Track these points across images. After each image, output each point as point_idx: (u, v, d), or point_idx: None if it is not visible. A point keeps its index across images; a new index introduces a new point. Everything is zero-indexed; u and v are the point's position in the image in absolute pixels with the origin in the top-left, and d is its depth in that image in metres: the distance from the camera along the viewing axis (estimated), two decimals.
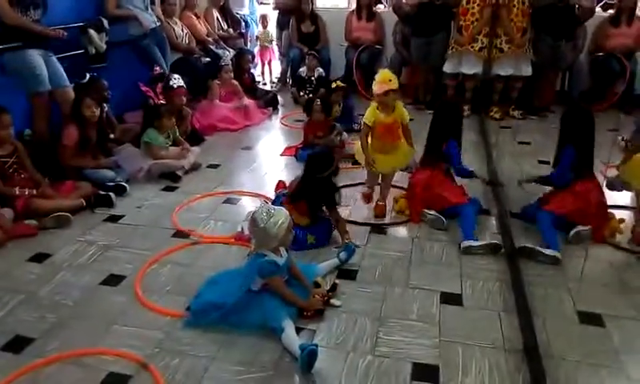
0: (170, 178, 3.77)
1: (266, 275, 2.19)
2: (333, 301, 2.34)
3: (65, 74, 3.94)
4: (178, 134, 4.14)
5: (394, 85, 3.10)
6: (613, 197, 3.39)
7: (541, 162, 4.21)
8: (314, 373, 1.96)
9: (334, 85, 4.97)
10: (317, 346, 1.98)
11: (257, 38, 7.06)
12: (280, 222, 2.18)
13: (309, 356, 1.93)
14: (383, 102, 3.11)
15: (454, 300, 2.41)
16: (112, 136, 4.16)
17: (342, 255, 2.66)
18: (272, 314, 2.16)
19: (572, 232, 2.88)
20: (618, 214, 3.15)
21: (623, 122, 5.20)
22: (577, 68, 5.78)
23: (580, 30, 5.61)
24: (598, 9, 5.91)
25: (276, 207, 2.27)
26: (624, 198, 3.53)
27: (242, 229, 2.89)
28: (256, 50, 7.11)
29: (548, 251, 2.71)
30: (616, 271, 2.66)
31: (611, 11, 5.83)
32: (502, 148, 4.54)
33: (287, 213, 2.25)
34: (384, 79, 3.09)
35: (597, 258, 2.78)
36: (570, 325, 2.26)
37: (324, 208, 2.91)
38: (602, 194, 2.99)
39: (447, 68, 5.54)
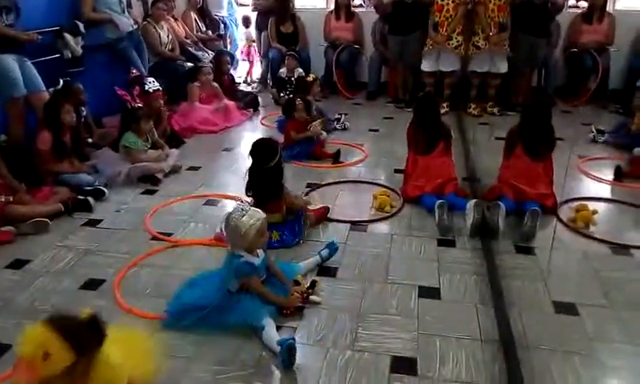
0: (149, 182, 3.76)
1: (241, 276, 2.20)
2: (312, 298, 2.36)
3: (40, 79, 3.91)
4: (156, 136, 4.12)
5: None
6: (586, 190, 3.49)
7: None
8: (295, 369, 1.98)
9: (309, 78, 5.04)
10: (294, 339, 2.01)
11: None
12: (250, 224, 2.18)
13: (288, 350, 1.95)
14: None
15: (432, 294, 2.44)
16: (90, 140, 4.13)
17: (324, 253, 2.68)
18: (252, 313, 2.18)
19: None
20: (592, 205, 3.23)
21: (598, 115, 5.33)
22: (552, 64, 5.88)
23: (554, 26, 5.72)
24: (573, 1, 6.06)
25: (252, 208, 2.28)
26: (597, 189, 3.63)
27: (222, 229, 2.89)
28: (241, 50, 7.21)
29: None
30: (589, 261, 2.72)
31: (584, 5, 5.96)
32: (479, 144, 4.61)
33: (263, 215, 2.26)
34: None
35: (571, 249, 2.85)
36: (545, 315, 2.31)
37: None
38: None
39: (425, 66, 5.59)
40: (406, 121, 5.37)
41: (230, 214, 2.22)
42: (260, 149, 2.92)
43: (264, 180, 2.84)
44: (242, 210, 2.21)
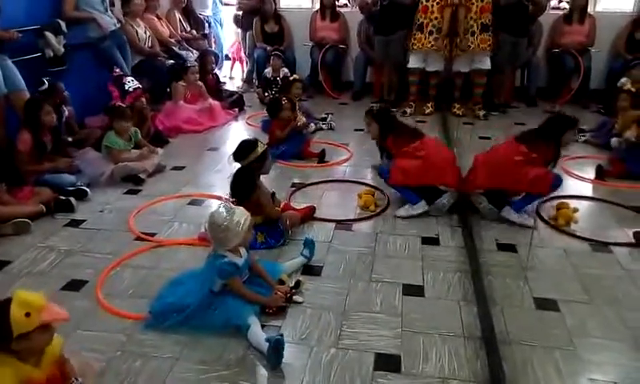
0: (132, 181, 3.72)
1: (225, 277, 2.19)
2: (295, 298, 2.36)
3: (21, 78, 3.85)
4: (140, 136, 4.09)
5: None
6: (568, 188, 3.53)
7: None
8: (279, 368, 1.98)
9: (291, 77, 5.06)
10: (282, 335, 2.01)
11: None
12: (243, 221, 2.19)
13: (276, 347, 1.95)
14: None
15: (416, 291, 2.46)
16: (70, 139, 4.09)
17: (305, 252, 2.68)
18: (236, 312, 2.17)
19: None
20: (573, 203, 3.28)
21: (579, 115, 5.39)
22: (534, 64, 5.97)
23: (536, 26, 5.80)
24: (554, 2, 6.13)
25: (235, 207, 2.27)
26: (578, 188, 3.69)
27: (205, 229, 2.88)
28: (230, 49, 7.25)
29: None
30: (570, 258, 2.76)
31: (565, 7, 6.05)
32: (463, 143, 4.65)
33: (247, 212, 2.26)
34: None
35: (553, 246, 2.89)
36: (526, 311, 2.34)
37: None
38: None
39: (412, 63, 5.59)
40: None
41: (216, 213, 2.20)
42: (238, 146, 2.91)
43: (236, 178, 2.80)
44: (229, 209, 2.20)
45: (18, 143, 3.51)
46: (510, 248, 2.87)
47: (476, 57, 5.36)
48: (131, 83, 4.38)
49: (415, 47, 5.45)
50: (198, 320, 2.17)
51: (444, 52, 5.40)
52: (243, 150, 2.92)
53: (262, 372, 1.98)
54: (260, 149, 2.93)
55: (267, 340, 1.99)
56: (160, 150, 4.17)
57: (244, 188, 2.75)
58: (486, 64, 5.42)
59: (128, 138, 3.95)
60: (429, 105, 5.71)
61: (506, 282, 2.55)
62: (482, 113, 5.56)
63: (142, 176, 3.77)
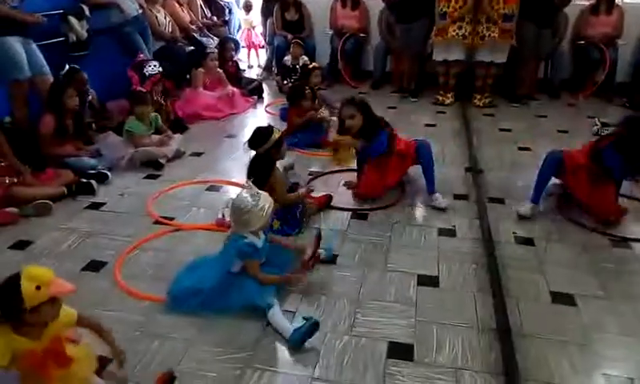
0: (152, 166, 3.77)
1: (244, 257, 2.22)
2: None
3: (45, 62, 3.92)
4: (160, 121, 4.13)
5: None
6: None
7: (520, 148, 4.29)
8: (290, 350, 2.01)
9: (310, 66, 5.08)
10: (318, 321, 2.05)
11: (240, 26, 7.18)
12: (267, 207, 2.23)
13: (312, 328, 2.00)
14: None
15: (431, 282, 2.46)
16: (94, 125, 4.15)
17: (322, 253, 2.58)
18: (257, 293, 2.20)
19: None
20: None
21: (603, 109, 5.29)
22: (558, 56, 5.85)
23: (561, 17, 5.67)
24: None
25: (260, 192, 2.29)
26: None
27: (223, 215, 2.91)
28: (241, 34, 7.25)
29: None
30: (588, 253, 2.72)
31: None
32: (483, 134, 4.61)
33: (270, 198, 2.29)
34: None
35: (571, 241, 2.85)
36: (542, 305, 2.32)
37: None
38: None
39: (437, 56, 5.54)
40: (410, 111, 5.42)
41: (241, 197, 2.23)
42: (253, 134, 2.93)
43: (253, 164, 2.83)
44: (254, 194, 2.24)
45: (40, 126, 3.58)
46: (528, 242, 2.84)
47: (496, 48, 5.27)
48: (153, 68, 4.41)
49: (438, 38, 5.38)
50: (216, 302, 2.20)
51: (468, 40, 5.31)
52: (259, 138, 2.91)
53: (276, 355, 2.01)
54: (275, 136, 2.93)
55: (305, 318, 2.04)
56: (179, 136, 4.21)
57: (260, 174, 2.77)
58: (502, 58, 5.33)
59: (148, 124, 4.00)
60: (449, 95, 5.64)
61: (522, 275, 2.53)
62: (487, 100, 5.52)
63: (162, 161, 3.82)
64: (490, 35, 5.19)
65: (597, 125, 4.58)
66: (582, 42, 5.75)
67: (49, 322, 1.67)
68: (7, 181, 3.11)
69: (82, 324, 1.82)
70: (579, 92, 5.79)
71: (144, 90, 4.22)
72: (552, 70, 5.99)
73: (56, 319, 1.67)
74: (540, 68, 6.04)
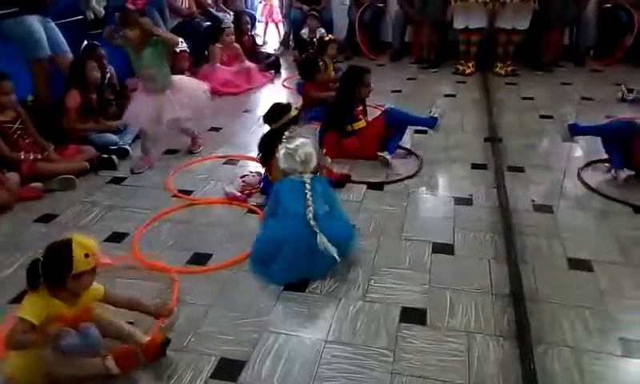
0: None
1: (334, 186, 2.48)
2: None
3: (64, 40, 3.97)
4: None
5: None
6: None
7: (542, 116, 4.20)
8: (305, 315, 2.05)
9: (326, 38, 5.00)
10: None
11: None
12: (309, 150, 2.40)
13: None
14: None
15: (446, 250, 2.46)
16: (113, 100, 4.21)
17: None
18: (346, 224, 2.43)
19: None
20: None
21: (631, 75, 5.11)
22: (584, 21, 5.65)
23: None
24: None
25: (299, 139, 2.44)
26: None
27: (226, 192, 2.96)
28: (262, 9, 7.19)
29: None
30: (608, 220, 2.67)
31: None
32: (505, 103, 4.52)
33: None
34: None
35: (590, 208, 2.81)
36: (558, 271, 2.30)
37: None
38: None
39: (458, 24, 5.43)
40: (430, 82, 5.34)
41: (304, 145, 2.40)
42: (270, 109, 2.94)
43: (262, 140, 2.89)
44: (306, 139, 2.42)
45: (67, 101, 3.64)
46: (546, 209, 2.80)
47: (518, 14, 5.12)
48: (180, 45, 4.41)
49: (458, 3, 5.24)
50: (303, 260, 2.23)
51: (489, 5, 5.17)
52: (276, 113, 2.92)
53: (291, 320, 2.05)
54: (293, 113, 2.92)
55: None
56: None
57: (266, 150, 2.83)
58: (525, 24, 5.18)
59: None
60: (470, 64, 5.53)
61: (539, 241, 2.51)
62: (509, 69, 5.39)
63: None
64: (511, 0, 5.04)
65: (622, 90, 4.44)
66: (609, 5, 5.54)
67: (82, 293, 1.75)
68: (32, 157, 3.20)
69: (108, 300, 1.89)
70: (607, 57, 5.60)
71: None
72: (577, 36, 5.80)
73: (87, 291, 1.75)
74: (565, 33, 5.85)
